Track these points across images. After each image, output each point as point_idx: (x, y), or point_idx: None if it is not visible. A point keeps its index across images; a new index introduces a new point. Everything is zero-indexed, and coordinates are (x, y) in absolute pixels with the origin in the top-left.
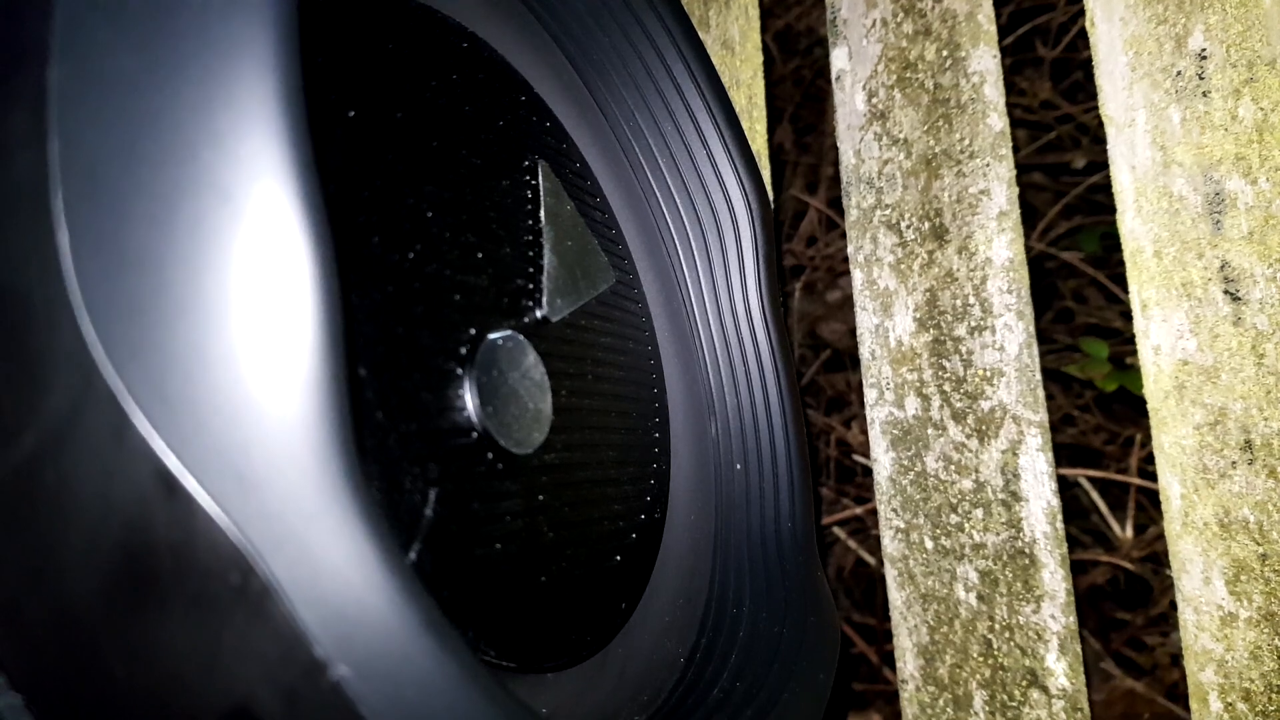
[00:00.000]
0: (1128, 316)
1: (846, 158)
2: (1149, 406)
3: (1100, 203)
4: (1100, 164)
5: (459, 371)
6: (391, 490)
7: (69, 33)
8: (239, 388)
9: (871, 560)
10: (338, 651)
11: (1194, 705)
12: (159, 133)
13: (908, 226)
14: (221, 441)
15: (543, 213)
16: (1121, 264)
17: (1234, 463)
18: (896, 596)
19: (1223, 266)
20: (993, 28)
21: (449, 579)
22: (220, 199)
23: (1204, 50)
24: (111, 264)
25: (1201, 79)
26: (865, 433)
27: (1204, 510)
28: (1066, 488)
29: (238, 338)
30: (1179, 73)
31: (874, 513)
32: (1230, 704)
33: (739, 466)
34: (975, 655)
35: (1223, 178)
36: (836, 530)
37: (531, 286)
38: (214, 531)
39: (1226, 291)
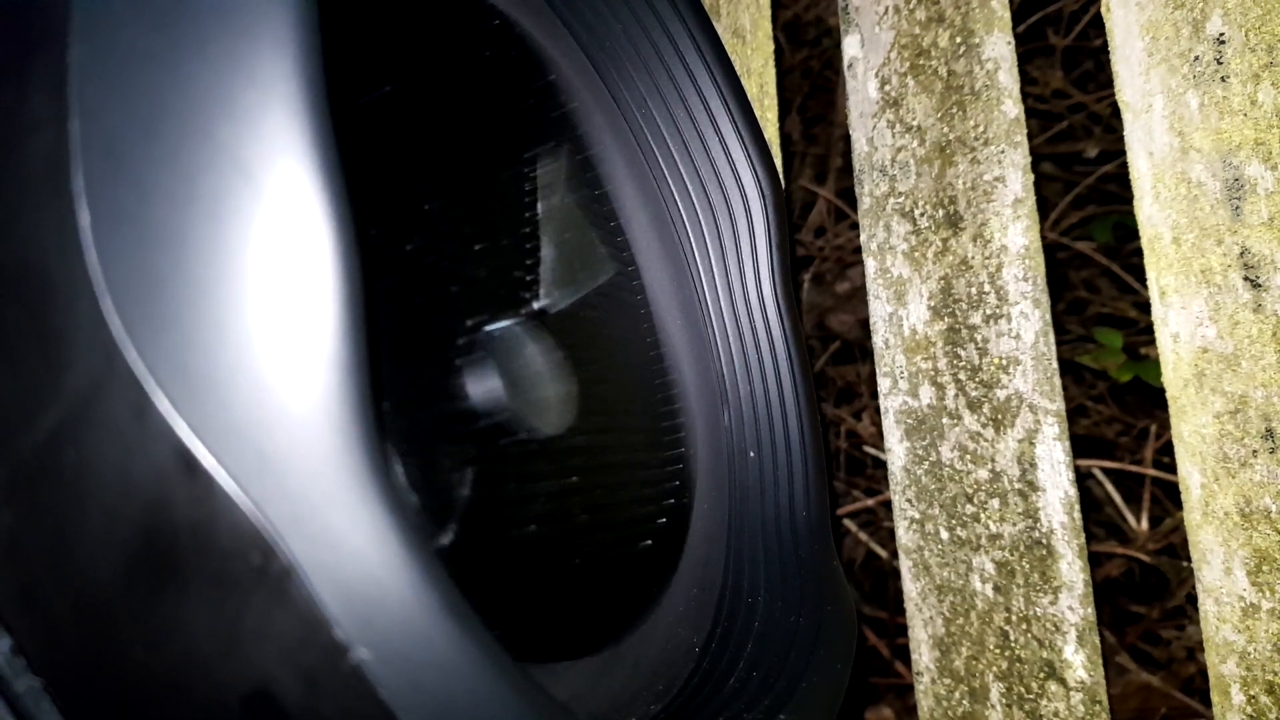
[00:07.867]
0: (1141, 307)
1: (859, 145)
2: (1168, 395)
3: (1112, 192)
4: (1112, 153)
5: (465, 358)
6: (412, 471)
7: (88, 11)
8: (260, 367)
9: (883, 553)
10: (358, 634)
11: (1215, 698)
12: (179, 110)
13: (921, 214)
14: (242, 421)
15: (543, 204)
16: (1134, 254)
17: (1255, 451)
18: (911, 588)
19: (1242, 253)
20: (1007, 14)
21: (471, 562)
22: (241, 177)
23: (1222, 34)
24: (132, 242)
25: (1220, 64)
26: (875, 424)
27: (1224, 500)
28: (1080, 479)
29: (259, 316)
30: (1197, 57)
31: (885, 504)
32: (1253, 696)
33: (752, 454)
34: (992, 647)
35: (1242, 163)
36: (847, 523)
37: (531, 278)
38: (234, 512)
39: (1246, 278)
